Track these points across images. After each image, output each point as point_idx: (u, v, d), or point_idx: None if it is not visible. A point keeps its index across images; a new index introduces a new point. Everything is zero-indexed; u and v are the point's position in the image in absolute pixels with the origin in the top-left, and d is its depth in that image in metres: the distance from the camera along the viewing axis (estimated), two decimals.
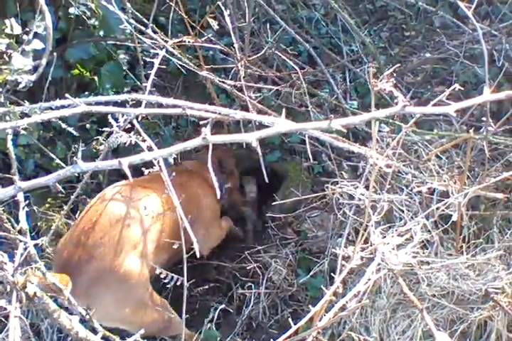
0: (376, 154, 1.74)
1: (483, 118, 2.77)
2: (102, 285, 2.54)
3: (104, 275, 2.53)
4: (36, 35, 2.93)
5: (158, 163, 1.73)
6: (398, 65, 2.57)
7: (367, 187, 2.83)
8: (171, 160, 1.43)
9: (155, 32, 2.82)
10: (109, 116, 2.01)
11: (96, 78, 3.25)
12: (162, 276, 2.07)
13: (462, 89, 1.81)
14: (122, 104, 2.17)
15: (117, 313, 2.63)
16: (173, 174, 2.15)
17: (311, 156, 2.52)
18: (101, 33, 3.23)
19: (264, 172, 2.63)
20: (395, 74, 2.08)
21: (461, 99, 1.70)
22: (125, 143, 2.00)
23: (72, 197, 2.67)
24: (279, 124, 1.53)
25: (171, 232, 2.76)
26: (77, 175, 3.15)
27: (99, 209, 2.62)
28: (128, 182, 2.81)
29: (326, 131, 2.60)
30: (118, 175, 3.44)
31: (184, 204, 2.68)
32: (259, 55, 3.08)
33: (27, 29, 2.97)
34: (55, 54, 2.80)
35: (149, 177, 2.58)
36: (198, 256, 1.68)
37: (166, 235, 2.76)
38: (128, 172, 1.28)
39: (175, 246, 1.87)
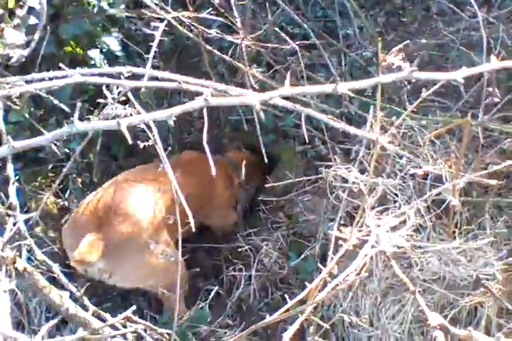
0: (378, 132, 1.72)
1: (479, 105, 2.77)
2: (129, 245, 2.68)
3: (132, 235, 2.68)
4: (30, 10, 2.88)
5: (153, 136, 1.69)
6: (408, 41, 2.52)
7: (361, 171, 2.82)
8: (171, 123, 1.38)
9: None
10: (104, 87, 1.96)
11: (90, 52, 3.20)
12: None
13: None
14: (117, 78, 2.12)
15: (144, 268, 2.74)
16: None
17: (306, 139, 2.50)
18: (95, 10, 3.19)
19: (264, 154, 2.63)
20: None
21: (455, 86, 1.67)
22: (117, 117, 1.96)
23: (62, 174, 2.63)
24: (283, 88, 1.50)
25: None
26: (68, 151, 3.12)
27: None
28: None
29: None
30: (109, 155, 3.42)
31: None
32: (256, 34, 3.05)
33: (21, 3, 2.92)
34: (48, 29, 2.76)
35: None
36: (194, 230, 1.65)
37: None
38: (127, 134, 1.25)
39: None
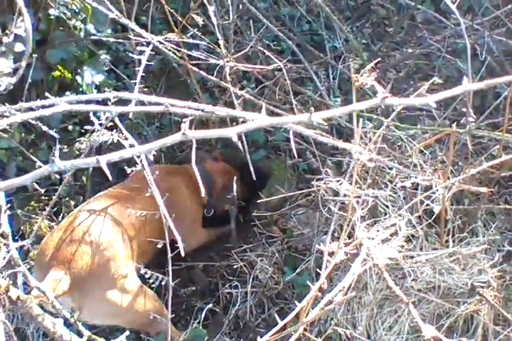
0: (359, 148, 1.74)
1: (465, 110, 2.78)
2: (92, 280, 2.58)
3: (95, 269, 2.58)
4: (16, 37, 2.91)
5: (141, 161, 1.71)
6: (379, 58, 2.56)
7: (352, 183, 2.83)
8: (151, 157, 1.39)
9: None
10: (91, 114, 1.98)
11: (78, 77, 3.23)
12: (147, 276, 2.06)
13: (442, 82, 1.82)
14: (105, 103, 2.15)
15: (109, 305, 2.65)
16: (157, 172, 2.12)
17: (295, 153, 2.52)
18: (81, 34, 3.22)
19: (252, 170, 2.64)
20: (377, 70, 2.09)
21: None
22: (107, 142, 1.98)
23: (54, 198, 2.65)
24: (260, 119, 1.52)
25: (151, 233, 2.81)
26: (59, 176, 3.14)
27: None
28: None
29: (309, 126, 2.62)
30: (102, 176, 3.42)
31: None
32: (243, 52, 3.08)
33: (6, 31, 2.94)
34: (35, 56, 2.78)
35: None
36: (183, 254, 1.67)
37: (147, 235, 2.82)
38: (107, 171, 1.27)
39: (159, 246, 1.86)
